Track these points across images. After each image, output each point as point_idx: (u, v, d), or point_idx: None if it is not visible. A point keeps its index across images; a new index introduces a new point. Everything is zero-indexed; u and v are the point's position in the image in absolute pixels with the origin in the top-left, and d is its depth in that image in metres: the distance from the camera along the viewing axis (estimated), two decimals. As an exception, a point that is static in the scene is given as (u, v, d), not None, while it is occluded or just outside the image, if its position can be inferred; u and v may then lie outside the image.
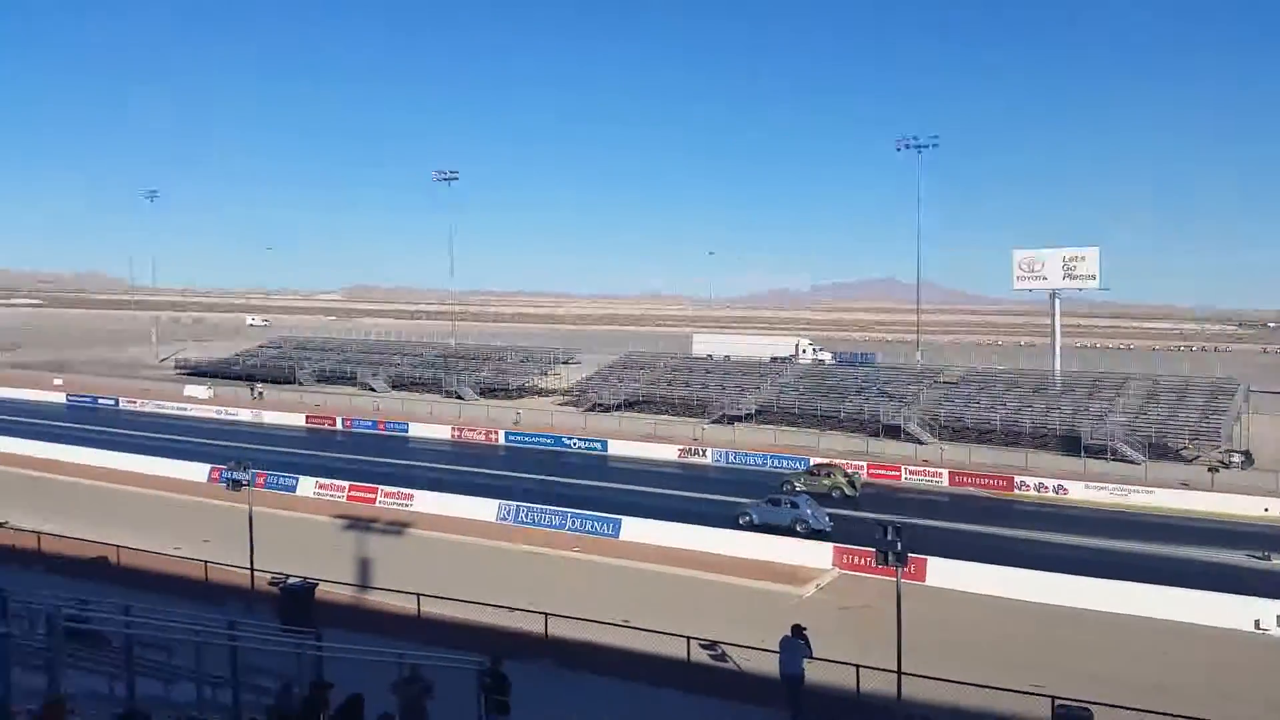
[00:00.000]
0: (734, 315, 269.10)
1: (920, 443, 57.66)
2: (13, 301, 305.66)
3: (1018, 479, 47.20)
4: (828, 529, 36.28)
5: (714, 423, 65.54)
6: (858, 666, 18.10)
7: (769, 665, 18.53)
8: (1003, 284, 68.70)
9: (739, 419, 66.05)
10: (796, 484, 44.21)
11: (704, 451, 55.20)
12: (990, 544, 35.93)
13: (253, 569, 25.19)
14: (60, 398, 79.87)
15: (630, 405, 73.08)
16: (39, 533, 31.29)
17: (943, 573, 30.03)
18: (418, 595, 23.23)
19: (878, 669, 18.28)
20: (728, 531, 34.42)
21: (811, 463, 48.97)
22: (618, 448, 57.49)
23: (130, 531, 33.56)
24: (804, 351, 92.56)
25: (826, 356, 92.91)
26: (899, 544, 18.50)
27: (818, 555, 32.31)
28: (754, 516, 37.77)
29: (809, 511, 37.00)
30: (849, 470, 46.20)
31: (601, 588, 29.61)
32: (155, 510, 40.46)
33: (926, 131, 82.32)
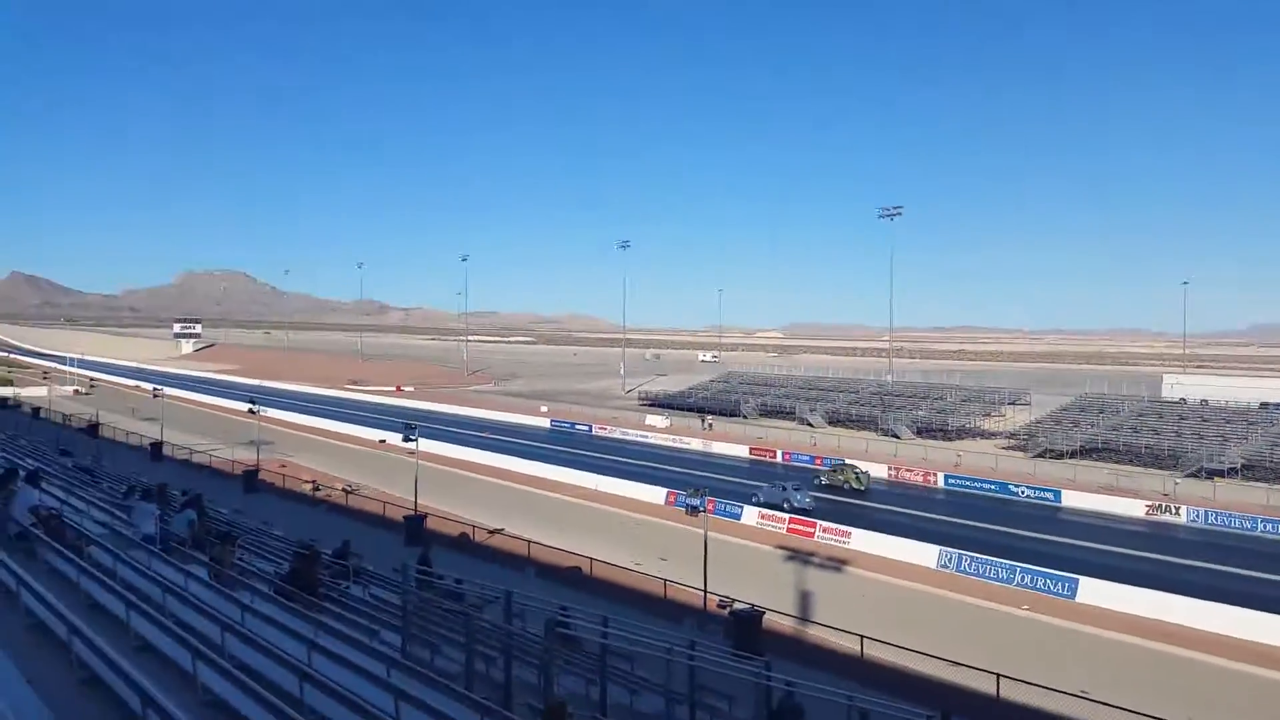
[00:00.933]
0: (1213, 354, 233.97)
1: None
2: (511, 340, 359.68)
3: None
4: (809, 507, 46.39)
5: (1188, 476, 57.47)
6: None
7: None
8: None
9: (1220, 474, 57.34)
10: (822, 478, 56.90)
11: (1176, 509, 48.53)
12: None
13: (706, 591, 26.80)
14: (545, 423, 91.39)
15: (1086, 452, 66.65)
16: (529, 540, 36.17)
17: None
18: (861, 637, 23.09)
19: None
20: (1214, 605, 29.76)
21: (833, 462, 60.24)
22: (1073, 499, 52.61)
23: (598, 544, 37.55)
24: (1306, 397, 77.74)
25: (1339, 405, 77.15)
26: None
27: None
28: (761, 497, 48.04)
29: (795, 495, 47.47)
30: (860, 470, 56.97)
31: (1055, 652, 27.20)
32: (618, 527, 44.65)
33: None
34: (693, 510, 28.07)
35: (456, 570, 24.16)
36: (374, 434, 72.91)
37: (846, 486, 55.13)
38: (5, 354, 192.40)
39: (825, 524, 42.03)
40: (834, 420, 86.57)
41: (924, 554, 37.98)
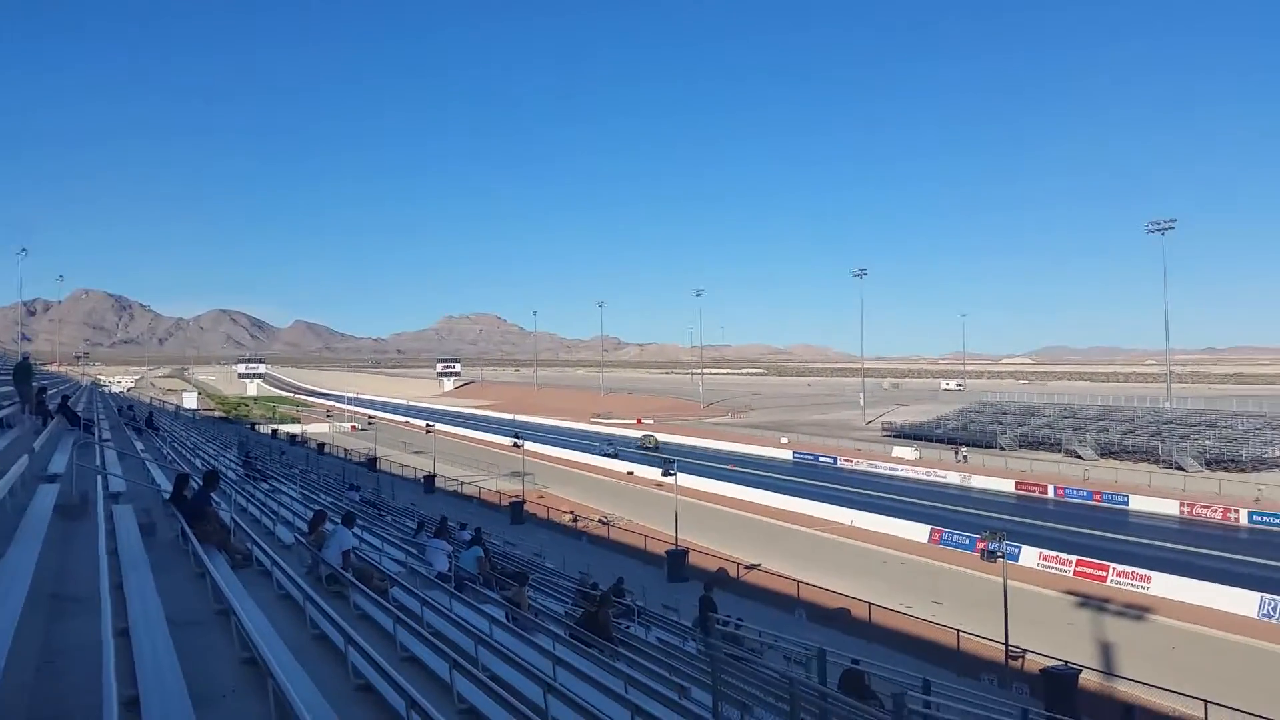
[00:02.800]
0: None
1: None
2: (743, 371, 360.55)
3: None
4: (612, 454, 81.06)
5: None
6: None
7: None
8: None
9: None
10: (639, 443, 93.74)
11: None
12: None
13: (1007, 644, 24.51)
14: (787, 454, 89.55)
15: None
16: (798, 580, 34.79)
17: None
18: (1205, 702, 19.95)
19: None
20: None
21: (641, 434, 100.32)
22: None
23: (860, 584, 35.66)
24: None
25: None
26: None
27: None
28: (604, 451, 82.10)
29: (607, 448, 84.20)
30: (654, 437, 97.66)
31: None
32: (880, 566, 42.33)
33: None
34: (989, 556, 25.89)
35: (719, 607, 23.30)
36: (623, 466, 74.09)
37: (648, 447, 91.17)
38: (292, 394, 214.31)
39: (1120, 567, 37.83)
40: (1106, 452, 79.22)
41: (1242, 602, 33.30)
